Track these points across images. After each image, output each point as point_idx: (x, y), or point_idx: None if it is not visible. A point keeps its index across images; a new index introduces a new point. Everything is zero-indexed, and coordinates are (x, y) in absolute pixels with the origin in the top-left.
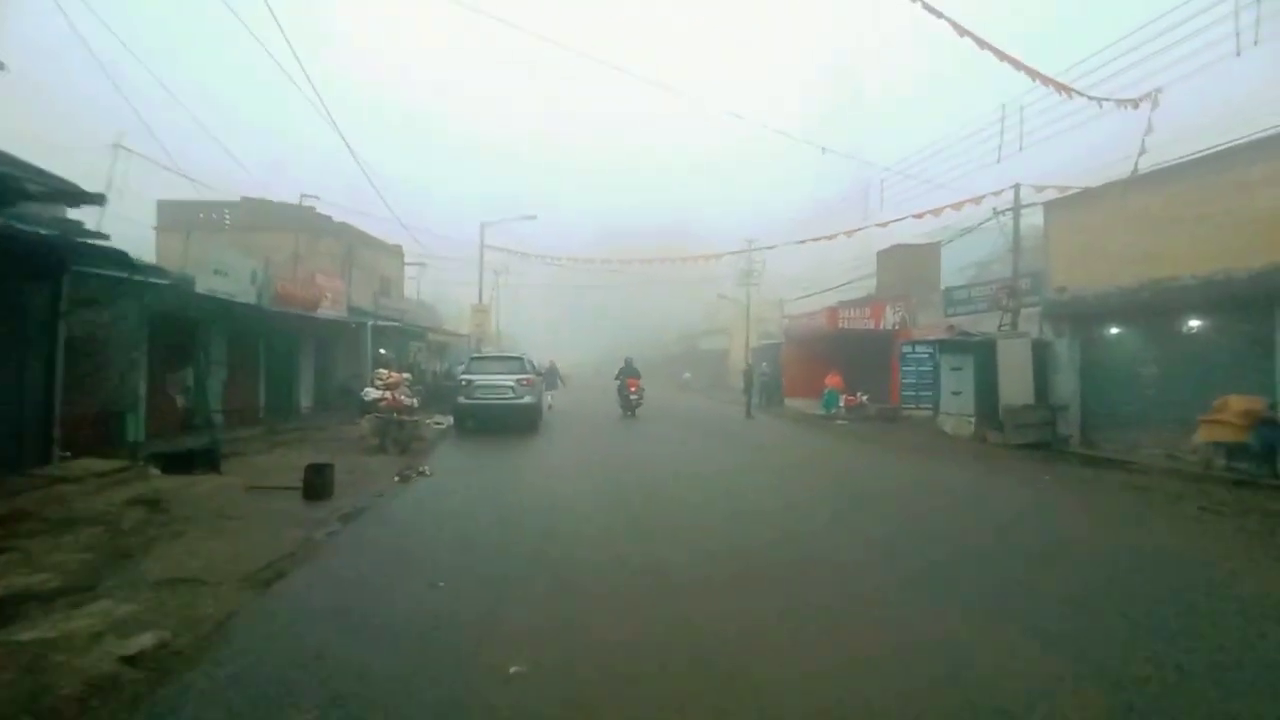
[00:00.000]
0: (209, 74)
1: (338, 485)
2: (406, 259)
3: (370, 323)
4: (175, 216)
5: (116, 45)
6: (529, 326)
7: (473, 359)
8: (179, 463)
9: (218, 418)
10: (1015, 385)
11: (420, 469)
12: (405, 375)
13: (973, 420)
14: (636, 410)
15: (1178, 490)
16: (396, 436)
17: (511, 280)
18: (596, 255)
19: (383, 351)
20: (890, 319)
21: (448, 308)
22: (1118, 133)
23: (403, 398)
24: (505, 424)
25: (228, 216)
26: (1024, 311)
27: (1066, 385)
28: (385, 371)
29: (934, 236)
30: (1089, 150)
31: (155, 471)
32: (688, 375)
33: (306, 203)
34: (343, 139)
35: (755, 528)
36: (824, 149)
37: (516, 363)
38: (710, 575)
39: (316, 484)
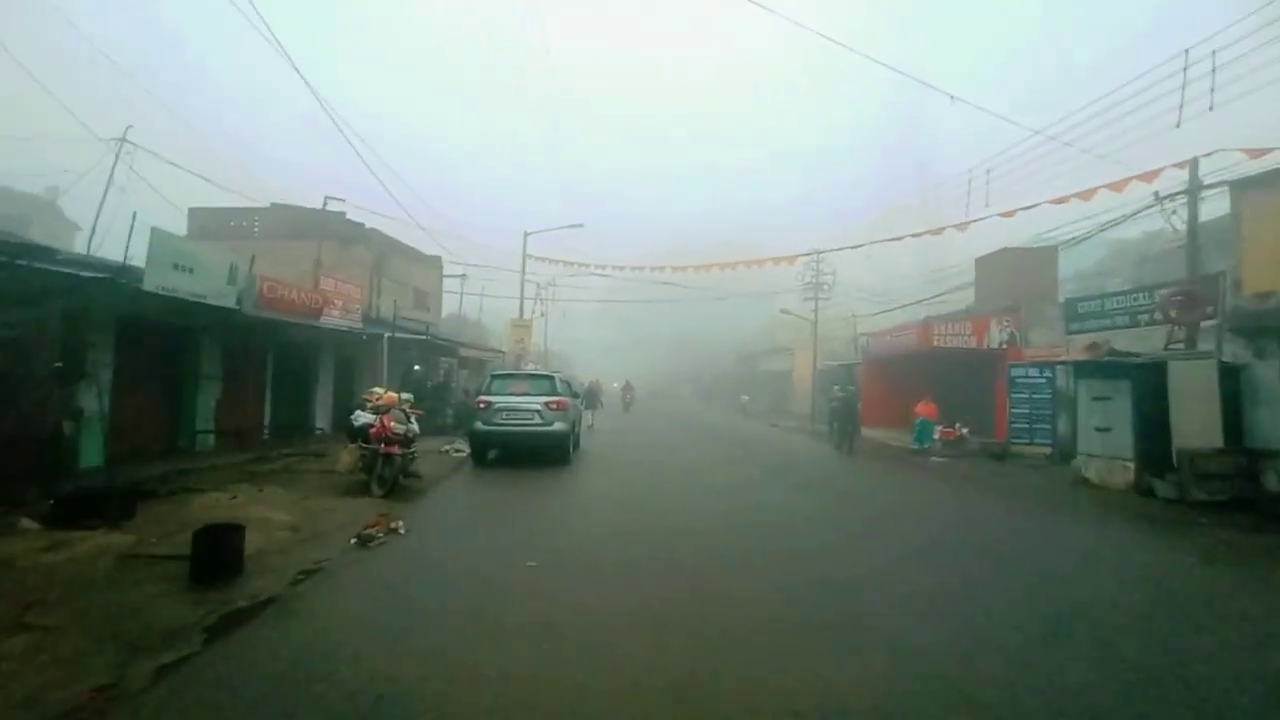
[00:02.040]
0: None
1: (270, 548)
2: (448, 272)
3: (387, 335)
4: (206, 224)
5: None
6: (582, 347)
7: (493, 377)
8: (81, 507)
9: (207, 439)
10: (1195, 422)
11: (394, 524)
12: (405, 395)
13: (1131, 466)
14: (630, 407)
15: None
16: (382, 474)
17: (563, 295)
18: (650, 263)
19: (417, 368)
20: (996, 336)
21: (497, 325)
22: None
23: (394, 424)
24: (531, 455)
25: (257, 224)
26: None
27: (1272, 423)
28: (379, 391)
29: (1041, 239)
30: None
31: (29, 523)
32: (745, 398)
33: (332, 206)
34: (343, 134)
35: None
36: (952, 97)
37: (546, 382)
38: None
39: (209, 558)
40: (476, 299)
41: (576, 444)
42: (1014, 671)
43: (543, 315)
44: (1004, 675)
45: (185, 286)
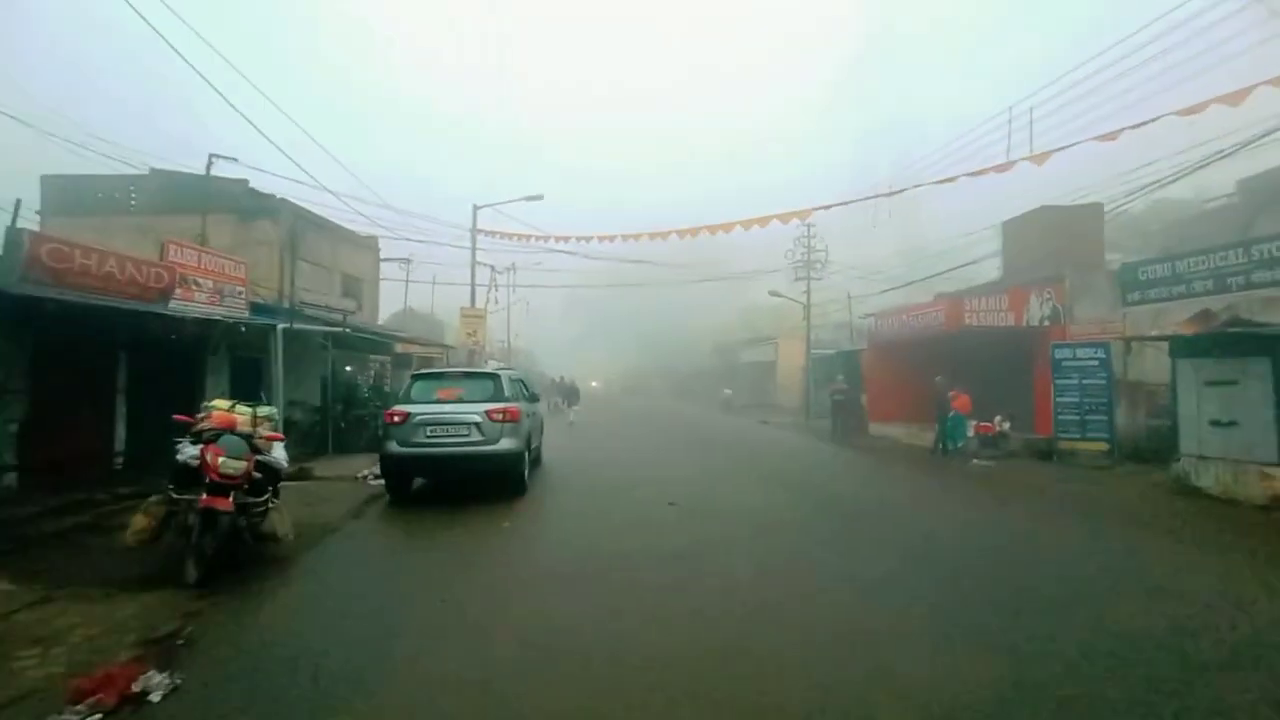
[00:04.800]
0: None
1: None
2: (397, 259)
3: (281, 325)
4: (66, 196)
5: None
6: (549, 344)
7: (415, 378)
8: None
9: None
10: None
11: (139, 680)
12: (263, 411)
13: (1277, 472)
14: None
15: None
16: (199, 545)
17: (524, 281)
18: (621, 232)
19: (349, 369)
20: (1036, 311)
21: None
22: None
23: (223, 459)
24: (469, 482)
25: (133, 194)
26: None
27: None
28: (215, 406)
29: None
30: None
31: None
32: (728, 392)
33: (220, 166)
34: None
35: None
36: None
37: (487, 383)
38: None
39: None
40: (435, 293)
41: (537, 462)
42: None
43: (498, 304)
44: None
45: None
